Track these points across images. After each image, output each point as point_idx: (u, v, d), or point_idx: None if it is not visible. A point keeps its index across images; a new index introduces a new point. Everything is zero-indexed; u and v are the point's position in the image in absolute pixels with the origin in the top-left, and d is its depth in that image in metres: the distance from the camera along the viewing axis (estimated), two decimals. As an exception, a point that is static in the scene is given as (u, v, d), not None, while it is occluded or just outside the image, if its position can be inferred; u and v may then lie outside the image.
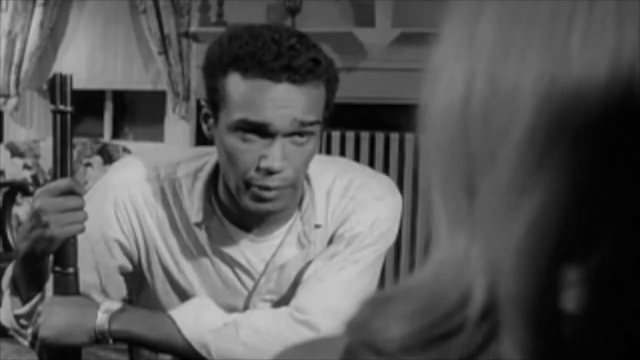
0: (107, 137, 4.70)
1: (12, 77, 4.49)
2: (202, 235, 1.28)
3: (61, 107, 1.19)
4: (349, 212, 1.29)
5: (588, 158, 0.30)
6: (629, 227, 0.30)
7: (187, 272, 1.31)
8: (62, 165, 1.20)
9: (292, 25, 4.00)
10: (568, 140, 0.30)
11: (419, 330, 0.34)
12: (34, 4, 4.42)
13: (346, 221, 1.29)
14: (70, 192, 1.17)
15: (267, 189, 1.17)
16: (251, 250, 1.30)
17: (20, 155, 4.04)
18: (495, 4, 0.33)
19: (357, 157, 3.83)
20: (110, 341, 1.23)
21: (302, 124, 1.16)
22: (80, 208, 1.18)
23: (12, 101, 4.53)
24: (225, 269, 1.31)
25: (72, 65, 4.38)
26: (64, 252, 1.20)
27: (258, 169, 1.16)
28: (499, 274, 0.32)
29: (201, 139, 4.20)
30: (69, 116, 1.19)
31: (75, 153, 3.63)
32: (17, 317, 1.27)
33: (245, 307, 1.32)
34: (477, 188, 0.33)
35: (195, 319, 1.23)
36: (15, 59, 4.47)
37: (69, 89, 1.19)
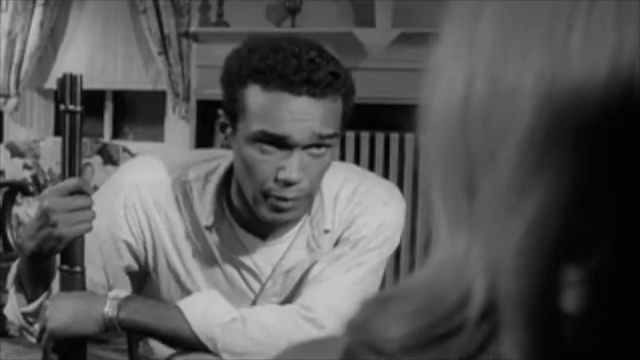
0: (107, 137, 4.70)
1: (12, 77, 4.49)
2: (211, 238, 1.29)
3: (71, 107, 1.20)
4: (355, 215, 1.31)
5: (588, 158, 0.30)
6: (629, 227, 0.30)
7: (195, 275, 1.32)
8: (71, 164, 1.21)
9: (292, 26, 4.00)
10: (568, 140, 0.30)
11: (419, 330, 0.34)
12: (34, 4, 4.42)
13: (352, 224, 1.31)
14: (78, 192, 1.18)
15: (285, 199, 1.18)
16: (260, 254, 1.31)
17: (20, 155, 4.04)
18: (495, 4, 0.33)
19: (357, 157, 3.83)
20: (119, 329, 1.24)
21: (320, 136, 1.17)
22: (88, 207, 1.19)
23: (12, 101, 4.53)
24: (233, 272, 1.32)
25: (72, 65, 4.38)
26: (72, 251, 1.21)
27: (276, 180, 1.17)
28: (499, 274, 0.32)
29: (201, 139, 4.20)
30: (78, 116, 1.20)
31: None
32: (25, 315, 1.27)
33: None
34: (477, 188, 0.33)
35: (203, 312, 1.24)
36: (15, 59, 4.47)
37: (78, 89, 1.20)
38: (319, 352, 0.42)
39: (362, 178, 1.36)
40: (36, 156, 4.08)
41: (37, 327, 1.24)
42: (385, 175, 3.83)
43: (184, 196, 1.30)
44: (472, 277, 0.33)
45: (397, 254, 4.00)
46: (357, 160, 3.83)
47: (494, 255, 0.32)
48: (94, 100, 4.62)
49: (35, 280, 1.26)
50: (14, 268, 1.29)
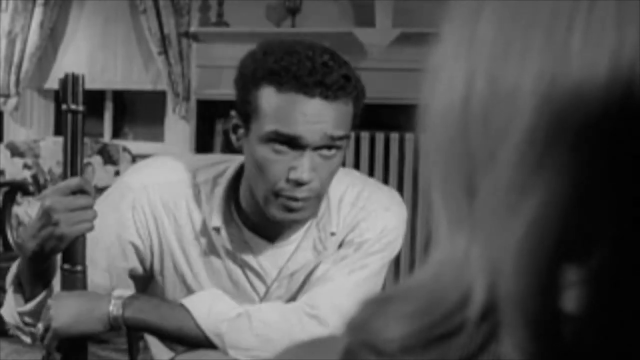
0: (107, 137, 4.70)
1: (12, 77, 4.48)
2: (218, 240, 1.30)
3: (73, 106, 1.21)
4: (359, 219, 1.33)
5: (588, 158, 0.30)
6: (629, 227, 0.30)
7: (201, 276, 1.33)
8: (73, 164, 1.22)
9: (292, 26, 4.00)
10: (568, 140, 0.30)
11: (419, 330, 0.34)
12: (34, 4, 4.42)
13: (356, 228, 1.33)
14: (80, 191, 1.19)
15: (295, 199, 1.20)
16: (266, 256, 1.33)
17: (20, 155, 4.04)
18: (495, 4, 0.33)
19: (357, 157, 3.83)
20: (124, 328, 1.24)
21: (332, 138, 1.20)
22: (90, 207, 1.20)
23: (12, 101, 4.53)
24: (239, 274, 1.33)
25: (72, 65, 4.38)
26: (73, 250, 1.22)
27: (287, 180, 1.19)
28: (499, 274, 0.32)
29: (201, 139, 4.20)
30: (80, 116, 1.21)
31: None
32: (21, 315, 1.27)
33: None
34: (477, 188, 0.33)
35: (209, 309, 1.25)
36: (15, 59, 4.46)
37: (81, 89, 1.21)
38: (319, 352, 0.42)
39: (364, 184, 1.39)
40: (36, 156, 4.08)
41: (40, 326, 1.24)
42: (385, 175, 3.83)
43: (192, 199, 1.31)
44: (472, 277, 0.33)
45: (397, 254, 3.99)
46: (357, 160, 3.83)
47: (494, 255, 0.32)
48: (94, 100, 4.62)
49: (35, 280, 1.26)
50: (13, 268, 1.29)
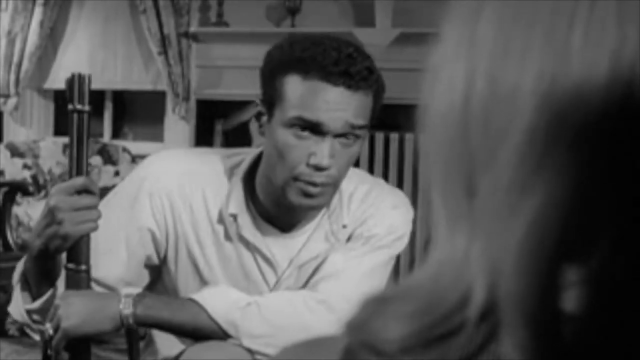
0: (107, 137, 4.70)
1: (12, 77, 4.48)
2: (233, 228, 1.33)
3: (79, 106, 1.22)
4: (368, 215, 1.38)
5: (588, 158, 0.30)
6: (629, 227, 0.30)
7: (213, 264, 1.35)
8: (78, 164, 1.23)
9: (292, 25, 4.00)
10: (568, 140, 0.30)
11: (419, 330, 0.34)
12: (34, 3, 4.42)
13: (364, 223, 1.37)
14: (85, 191, 1.20)
15: (314, 184, 1.25)
16: (278, 246, 1.36)
17: (20, 155, 4.04)
18: (495, 4, 0.33)
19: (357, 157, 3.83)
20: (135, 326, 1.25)
21: (352, 126, 1.25)
22: (94, 206, 1.21)
23: (12, 101, 4.53)
24: (251, 263, 1.36)
25: (72, 65, 4.38)
26: (77, 250, 1.22)
27: (307, 165, 1.24)
28: (499, 274, 0.32)
29: (201, 139, 4.20)
30: (86, 115, 1.23)
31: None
32: (29, 312, 1.28)
33: None
34: (477, 188, 0.33)
35: (221, 299, 1.27)
36: (15, 59, 4.47)
37: (87, 89, 1.23)
38: (318, 352, 0.42)
39: (373, 183, 1.43)
40: (36, 156, 4.08)
41: (48, 325, 1.24)
42: (385, 175, 3.83)
43: (209, 188, 1.34)
44: (472, 277, 0.33)
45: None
46: (357, 160, 3.83)
47: (494, 255, 0.32)
48: (93, 100, 4.60)
49: (41, 279, 1.26)
50: (20, 266, 1.30)
